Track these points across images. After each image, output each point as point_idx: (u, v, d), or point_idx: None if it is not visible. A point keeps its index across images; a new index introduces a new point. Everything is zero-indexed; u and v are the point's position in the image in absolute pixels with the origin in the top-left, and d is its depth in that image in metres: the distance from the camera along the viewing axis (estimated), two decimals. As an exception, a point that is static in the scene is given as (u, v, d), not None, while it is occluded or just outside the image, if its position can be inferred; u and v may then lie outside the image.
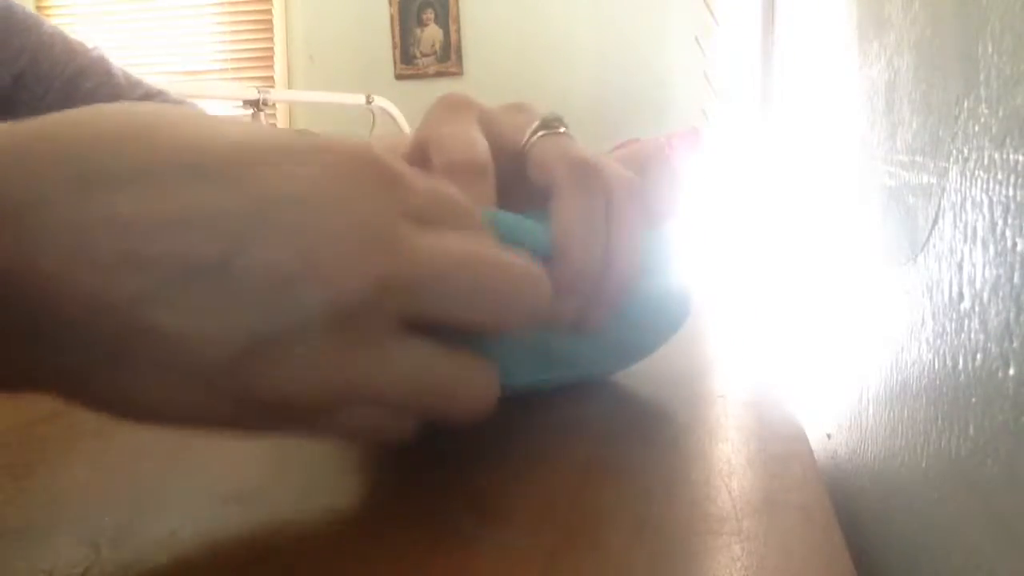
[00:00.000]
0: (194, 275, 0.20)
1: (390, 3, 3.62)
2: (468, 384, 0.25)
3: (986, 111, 0.21)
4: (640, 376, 0.39)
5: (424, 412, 0.25)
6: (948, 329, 0.24)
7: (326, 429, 0.23)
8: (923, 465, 0.27)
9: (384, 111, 2.83)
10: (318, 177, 0.22)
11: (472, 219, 0.26)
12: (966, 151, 0.23)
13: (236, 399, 0.21)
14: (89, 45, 0.66)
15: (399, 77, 3.65)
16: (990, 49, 0.21)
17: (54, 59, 0.62)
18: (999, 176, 0.20)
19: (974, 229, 0.22)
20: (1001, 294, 0.20)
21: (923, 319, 0.27)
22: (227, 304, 0.20)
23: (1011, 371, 0.20)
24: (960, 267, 0.23)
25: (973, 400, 0.22)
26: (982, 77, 0.22)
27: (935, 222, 0.26)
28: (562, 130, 0.35)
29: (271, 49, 3.72)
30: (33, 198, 0.20)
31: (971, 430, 0.23)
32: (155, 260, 0.20)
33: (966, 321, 0.23)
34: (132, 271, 0.20)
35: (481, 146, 0.33)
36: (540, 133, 0.34)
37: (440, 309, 0.24)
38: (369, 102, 2.78)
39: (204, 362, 0.21)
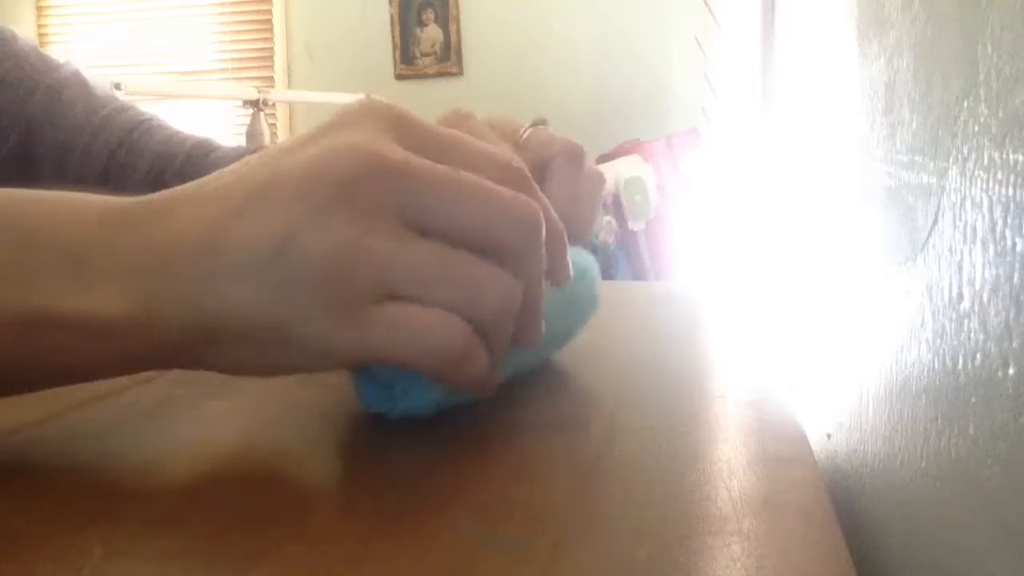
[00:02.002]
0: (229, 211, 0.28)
1: (390, 3, 3.62)
2: (493, 281, 0.29)
3: (986, 111, 0.21)
4: (640, 376, 0.39)
5: (458, 305, 0.28)
6: (948, 329, 0.24)
7: (387, 330, 0.28)
8: (923, 465, 0.27)
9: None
10: (331, 120, 0.30)
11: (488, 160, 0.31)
12: (966, 151, 0.23)
13: (298, 287, 0.27)
14: (61, 60, 0.69)
15: (399, 77, 3.65)
16: (990, 49, 0.21)
17: (32, 67, 0.65)
18: (999, 176, 0.21)
19: (974, 229, 0.22)
20: (1001, 294, 0.20)
21: (923, 319, 0.27)
22: (261, 218, 0.28)
23: (1011, 371, 0.20)
24: (960, 267, 0.23)
25: (973, 400, 0.22)
26: (982, 77, 0.22)
27: (935, 222, 0.26)
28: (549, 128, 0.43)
29: (271, 49, 3.72)
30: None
31: (971, 430, 0.23)
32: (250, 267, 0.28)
33: (966, 321, 0.23)
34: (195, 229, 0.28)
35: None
36: (534, 127, 0.42)
37: (438, 212, 0.28)
38: (369, 102, 2.78)
39: (255, 257, 0.28)
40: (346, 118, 0.30)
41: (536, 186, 0.32)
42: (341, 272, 0.27)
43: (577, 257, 0.37)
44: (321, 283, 0.27)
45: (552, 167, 0.40)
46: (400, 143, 0.29)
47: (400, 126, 0.30)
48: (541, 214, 0.30)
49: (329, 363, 0.29)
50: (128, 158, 0.66)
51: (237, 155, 0.66)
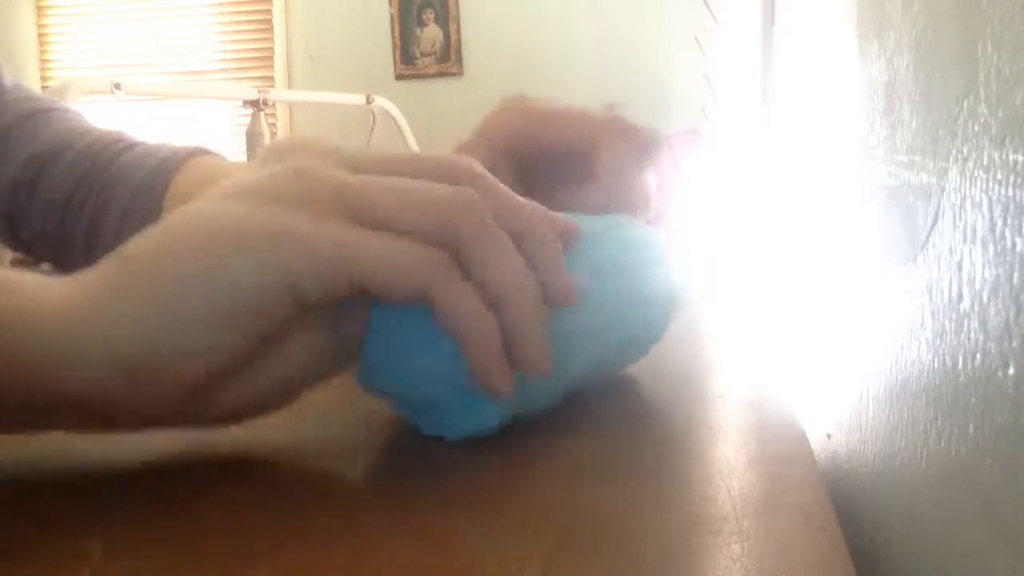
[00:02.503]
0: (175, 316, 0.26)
1: (390, 3, 3.62)
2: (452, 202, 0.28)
3: (986, 111, 0.21)
4: (640, 376, 0.39)
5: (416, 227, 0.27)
6: (948, 329, 0.24)
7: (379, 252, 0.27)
8: (923, 465, 0.27)
9: (384, 111, 2.83)
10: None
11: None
12: (966, 151, 0.23)
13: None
14: None
15: (399, 77, 3.65)
16: (990, 49, 0.21)
17: None
18: (999, 176, 0.21)
19: (974, 229, 0.22)
20: (1001, 294, 0.20)
21: (923, 319, 0.27)
22: (205, 328, 0.26)
23: (1011, 371, 0.20)
24: (960, 267, 0.23)
25: (973, 400, 0.22)
26: (982, 77, 0.22)
27: (935, 222, 0.26)
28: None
29: (271, 49, 3.72)
30: None
31: (971, 430, 0.23)
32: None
33: (966, 321, 0.23)
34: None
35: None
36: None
37: (384, 215, 0.27)
38: (369, 102, 2.78)
39: (203, 374, 0.26)
40: (278, 196, 0.27)
41: (496, 183, 0.30)
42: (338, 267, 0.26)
43: (631, 238, 0.35)
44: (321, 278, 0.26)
45: (599, 145, 0.38)
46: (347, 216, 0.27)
47: (340, 200, 0.28)
48: (474, 196, 0.28)
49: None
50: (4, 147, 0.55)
51: (153, 161, 0.53)
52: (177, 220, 0.28)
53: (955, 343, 0.24)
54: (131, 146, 0.55)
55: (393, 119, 2.84)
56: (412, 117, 2.91)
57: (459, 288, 0.27)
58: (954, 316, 0.24)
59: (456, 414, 0.29)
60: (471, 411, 0.29)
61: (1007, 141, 0.20)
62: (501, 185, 0.30)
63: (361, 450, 0.31)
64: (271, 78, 3.70)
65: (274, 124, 3.57)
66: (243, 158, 2.27)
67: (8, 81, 0.61)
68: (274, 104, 3.35)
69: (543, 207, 0.31)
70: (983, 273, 0.22)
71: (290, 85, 3.70)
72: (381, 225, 0.27)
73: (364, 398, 0.32)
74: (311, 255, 0.26)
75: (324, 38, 3.69)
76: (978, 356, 0.22)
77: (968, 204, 0.23)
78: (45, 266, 0.60)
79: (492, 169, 0.31)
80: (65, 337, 0.25)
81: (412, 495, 0.26)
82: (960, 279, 0.23)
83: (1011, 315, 0.20)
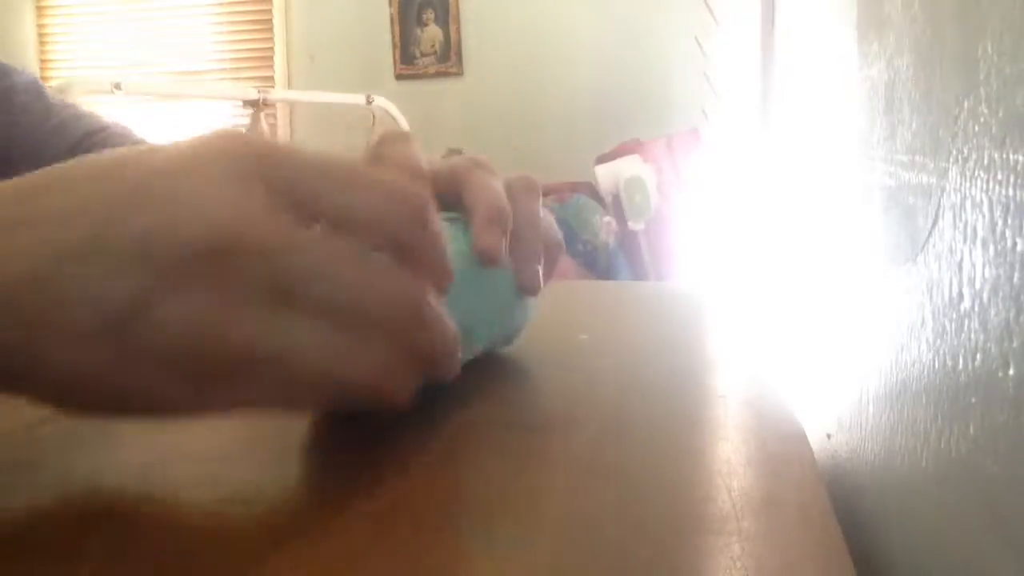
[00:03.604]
0: (67, 255, 0.24)
1: (390, 3, 3.62)
2: (359, 352, 0.26)
3: (986, 111, 0.21)
4: (640, 376, 0.39)
5: (329, 388, 0.26)
6: (948, 329, 0.24)
7: (248, 396, 0.26)
8: (923, 465, 0.27)
9: (384, 111, 2.83)
10: (187, 154, 0.26)
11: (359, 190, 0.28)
12: (966, 151, 0.23)
13: (148, 358, 0.24)
14: (19, 69, 0.67)
15: (399, 77, 3.65)
16: (990, 49, 0.21)
17: None
18: (999, 176, 0.21)
19: (974, 229, 0.22)
20: (1001, 294, 0.20)
21: (923, 319, 0.27)
22: (102, 271, 0.24)
23: (1011, 371, 0.20)
24: (960, 267, 0.23)
25: (973, 400, 0.22)
26: (982, 77, 0.22)
27: (935, 222, 0.26)
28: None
29: (271, 49, 3.72)
30: None
31: (971, 430, 0.23)
32: (32, 250, 0.24)
33: (966, 321, 0.23)
34: (21, 261, 0.24)
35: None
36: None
37: (308, 287, 0.25)
38: (369, 102, 2.79)
39: (101, 321, 0.24)
40: (210, 158, 0.26)
41: (434, 211, 0.29)
42: (201, 347, 0.24)
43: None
44: (177, 357, 0.24)
45: (465, 193, 0.37)
46: (269, 187, 0.26)
47: (267, 167, 0.26)
48: (415, 299, 0.27)
49: (202, 414, 0.26)
50: None
51: None
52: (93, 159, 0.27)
53: (955, 343, 0.24)
54: None
55: (393, 119, 2.85)
56: (412, 117, 2.91)
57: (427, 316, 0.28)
58: (954, 316, 0.24)
59: None
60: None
61: (1007, 141, 0.20)
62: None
63: (360, 450, 0.31)
64: (271, 78, 3.70)
65: (274, 124, 3.57)
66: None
67: (55, 99, 0.65)
68: (274, 104, 3.35)
69: None
70: (983, 273, 0.22)
71: (290, 85, 3.70)
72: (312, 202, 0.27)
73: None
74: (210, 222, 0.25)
75: (324, 38, 3.69)
76: (978, 356, 0.22)
77: (968, 204, 0.23)
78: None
79: None
80: None
81: (411, 495, 0.26)
82: (960, 279, 0.23)
83: (1011, 315, 0.20)
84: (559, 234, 0.43)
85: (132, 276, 0.24)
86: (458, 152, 0.43)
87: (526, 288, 0.38)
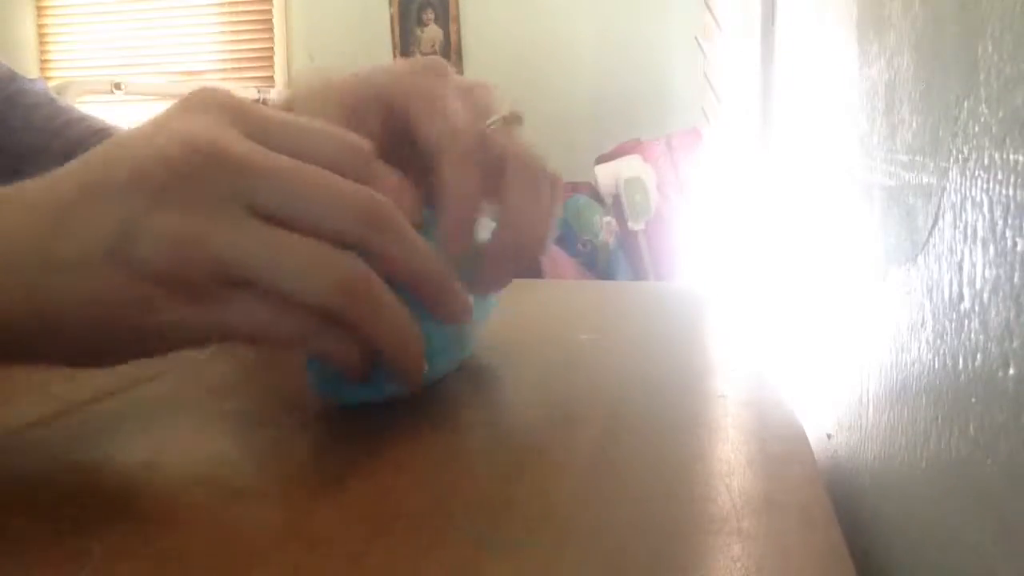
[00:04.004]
0: (63, 206, 0.28)
1: (390, 3, 3.62)
2: (331, 263, 0.28)
3: (986, 111, 0.21)
4: (640, 375, 0.39)
5: (297, 291, 0.28)
6: (948, 329, 0.24)
7: (224, 322, 0.28)
8: (923, 465, 0.27)
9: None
10: (171, 109, 0.30)
11: (330, 145, 0.31)
12: (966, 151, 0.23)
13: (146, 277, 0.27)
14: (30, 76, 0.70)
15: (399, 77, 3.64)
16: (990, 49, 0.21)
17: None
18: (999, 176, 0.21)
19: (974, 229, 0.22)
20: (1001, 294, 0.20)
21: (923, 319, 0.27)
22: (98, 206, 0.28)
23: (1011, 371, 0.20)
24: (960, 267, 0.23)
25: (973, 400, 0.22)
26: (982, 77, 0.22)
27: (935, 222, 0.26)
28: None
29: (271, 49, 3.72)
30: None
31: (971, 430, 0.23)
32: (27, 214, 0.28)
33: (966, 321, 0.23)
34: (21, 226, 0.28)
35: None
36: (505, 121, 0.38)
37: (279, 203, 0.28)
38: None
39: (103, 248, 0.27)
40: (187, 106, 0.30)
41: (385, 169, 0.31)
42: (182, 262, 0.27)
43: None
44: (163, 274, 0.27)
45: (505, 179, 0.35)
46: (242, 131, 0.29)
47: (241, 114, 0.30)
48: (382, 203, 0.30)
49: (191, 344, 0.30)
50: None
51: None
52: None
53: (955, 343, 0.24)
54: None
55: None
56: (412, 117, 2.90)
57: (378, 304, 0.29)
58: (954, 316, 0.24)
59: (357, 387, 0.33)
60: (370, 386, 0.32)
61: (1007, 141, 0.20)
62: (393, 179, 0.32)
63: (360, 450, 0.31)
64: (271, 78, 3.70)
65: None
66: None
67: (62, 102, 0.67)
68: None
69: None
70: (983, 273, 0.22)
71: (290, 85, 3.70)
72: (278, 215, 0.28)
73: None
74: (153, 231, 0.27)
75: (324, 38, 3.69)
76: (978, 356, 0.22)
77: (968, 204, 0.23)
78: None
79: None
80: None
81: (411, 495, 0.26)
82: (960, 279, 0.23)
83: (1011, 315, 0.20)
84: (543, 166, 0.37)
85: (124, 203, 0.27)
86: (518, 120, 0.39)
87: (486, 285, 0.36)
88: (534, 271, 0.39)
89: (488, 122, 0.36)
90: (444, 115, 0.34)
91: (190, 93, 0.31)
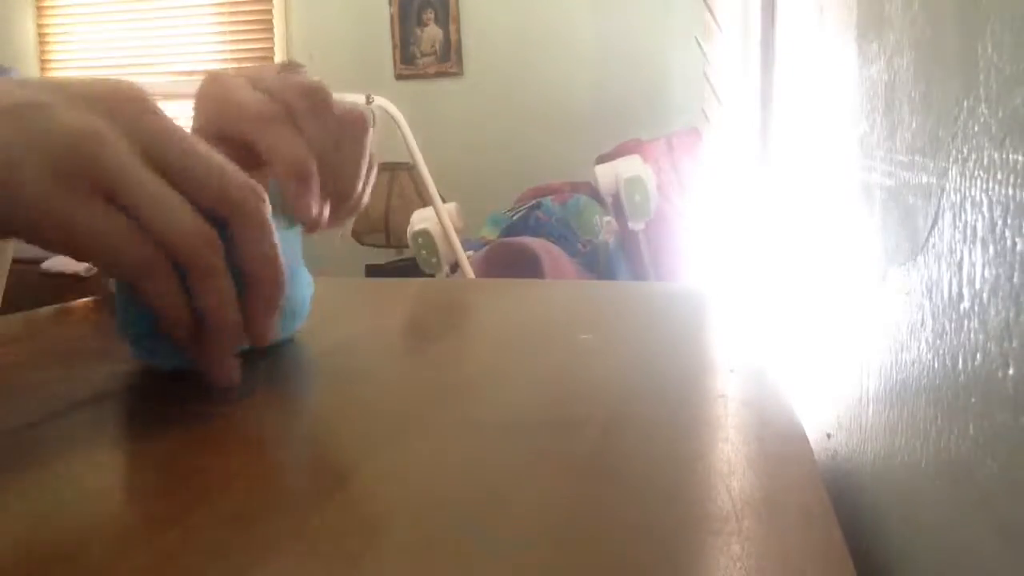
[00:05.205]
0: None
1: (390, 3, 3.62)
2: (188, 218, 0.33)
3: (986, 111, 0.21)
4: (640, 376, 0.39)
5: (153, 225, 0.32)
6: (948, 329, 0.25)
7: (87, 225, 0.31)
8: (923, 465, 0.27)
9: (384, 111, 2.83)
10: (89, 89, 0.33)
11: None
12: (966, 151, 0.23)
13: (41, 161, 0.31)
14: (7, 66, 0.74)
15: (399, 77, 3.65)
16: (990, 49, 0.21)
17: None
18: (999, 176, 0.21)
19: (974, 229, 0.22)
20: (1001, 294, 0.20)
21: (923, 319, 0.27)
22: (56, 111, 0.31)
23: (1011, 371, 0.20)
24: (960, 267, 0.23)
25: (973, 400, 0.22)
26: (982, 77, 0.22)
27: (935, 222, 0.26)
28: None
29: (271, 49, 3.72)
30: None
31: (971, 430, 0.23)
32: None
33: (966, 321, 0.23)
34: None
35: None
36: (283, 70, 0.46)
37: (172, 162, 0.33)
38: (369, 102, 2.78)
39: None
40: (96, 96, 0.33)
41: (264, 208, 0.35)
42: (81, 150, 0.30)
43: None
44: (59, 150, 0.30)
45: (297, 121, 0.41)
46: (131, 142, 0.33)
47: (138, 126, 0.33)
48: (257, 195, 0.35)
49: (40, 230, 0.31)
50: None
51: None
52: None
53: (955, 343, 0.24)
54: None
55: (393, 119, 2.85)
56: (412, 117, 2.90)
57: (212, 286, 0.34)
58: (954, 316, 0.24)
59: (174, 354, 0.37)
60: (181, 355, 0.37)
61: (1007, 141, 0.20)
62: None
63: (360, 450, 0.31)
64: (271, 78, 3.69)
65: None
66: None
67: None
68: (274, 104, 3.34)
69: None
70: (983, 273, 0.22)
71: (290, 85, 3.69)
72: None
73: (361, 398, 0.32)
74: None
75: (324, 38, 3.69)
76: (978, 356, 0.22)
77: (968, 204, 0.23)
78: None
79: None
80: None
81: (411, 495, 0.26)
82: (960, 279, 0.23)
83: (1011, 315, 0.20)
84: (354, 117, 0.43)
85: (39, 93, 0.32)
86: (293, 67, 0.45)
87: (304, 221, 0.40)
88: (355, 209, 0.45)
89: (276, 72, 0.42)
90: (265, 122, 0.41)
91: (114, 86, 0.34)
